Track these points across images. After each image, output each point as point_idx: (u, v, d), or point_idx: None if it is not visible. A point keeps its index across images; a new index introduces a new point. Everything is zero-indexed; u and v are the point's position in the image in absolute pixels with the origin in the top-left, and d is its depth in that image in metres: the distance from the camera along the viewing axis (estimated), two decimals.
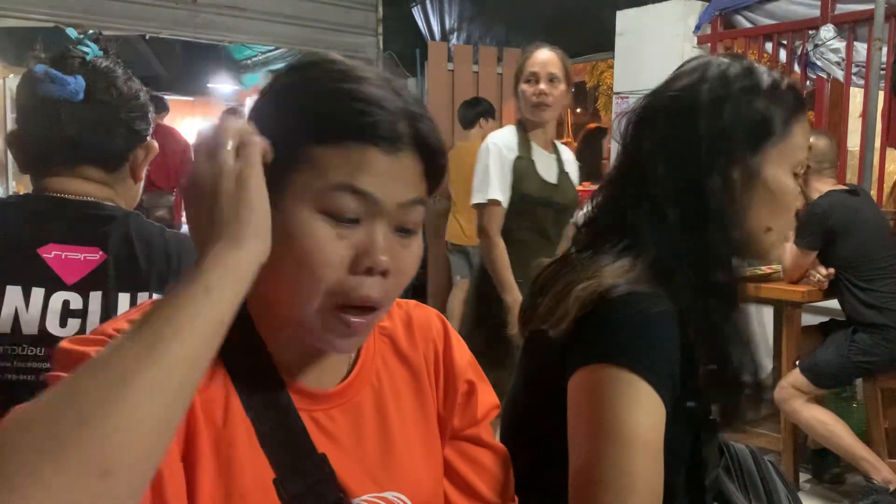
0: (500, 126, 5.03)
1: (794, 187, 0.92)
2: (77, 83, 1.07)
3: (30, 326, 1.00)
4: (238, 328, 0.62)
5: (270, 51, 6.97)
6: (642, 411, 0.79)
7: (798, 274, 2.87)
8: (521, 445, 0.90)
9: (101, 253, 1.06)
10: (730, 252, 0.90)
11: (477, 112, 4.65)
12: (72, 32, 1.12)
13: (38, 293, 1.01)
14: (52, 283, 1.02)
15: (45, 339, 1.00)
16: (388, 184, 0.64)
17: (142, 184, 1.21)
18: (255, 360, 0.68)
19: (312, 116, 0.64)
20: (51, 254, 1.03)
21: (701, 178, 0.88)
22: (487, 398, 0.84)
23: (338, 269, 0.63)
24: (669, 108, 0.91)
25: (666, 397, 0.81)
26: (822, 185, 2.82)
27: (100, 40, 1.16)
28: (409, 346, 0.80)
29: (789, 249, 2.79)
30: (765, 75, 0.91)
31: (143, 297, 1.07)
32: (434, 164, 0.68)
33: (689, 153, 0.88)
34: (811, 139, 2.89)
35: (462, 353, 0.83)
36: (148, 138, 1.19)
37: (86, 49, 1.12)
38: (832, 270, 2.76)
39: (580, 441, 0.82)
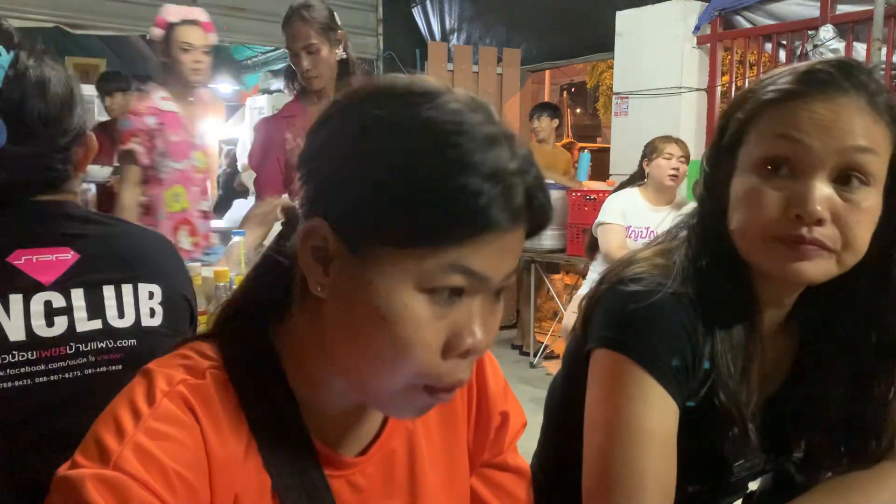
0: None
1: (753, 184, 0.86)
2: None
3: (16, 332, 0.97)
4: (271, 387, 0.62)
5: (270, 51, 6.96)
6: (649, 405, 0.79)
7: None
8: (554, 429, 0.90)
9: (72, 252, 1.03)
10: (730, 260, 0.85)
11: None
12: None
13: (16, 299, 0.97)
14: (30, 287, 0.99)
15: (34, 342, 0.98)
16: (500, 261, 0.58)
17: (84, 172, 1.13)
18: (290, 439, 0.64)
19: (418, 211, 0.54)
20: (20, 259, 0.99)
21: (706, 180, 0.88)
22: (517, 421, 0.81)
23: (435, 351, 0.57)
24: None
25: (675, 392, 0.80)
26: None
27: (7, 33, 0.98)
28: None
29: None
30: (772, 74, 0.86)
31: (127, 288, 1.06)
32: (543, 226, 0.62)
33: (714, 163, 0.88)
34: None
35: (497, 381, 0.80)
36: (87, 133, 1.08)
37: None
38: None
39: (592, 431, 0.83)
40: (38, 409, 0.98)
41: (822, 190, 0.76)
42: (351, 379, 0.62)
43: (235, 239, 1.91)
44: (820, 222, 0.75)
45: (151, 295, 1.09)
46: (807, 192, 0.75)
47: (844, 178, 0.76)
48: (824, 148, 0.75)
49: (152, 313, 1.09)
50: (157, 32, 2.62)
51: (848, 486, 0.87)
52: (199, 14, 2.67)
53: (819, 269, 0.78)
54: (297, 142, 2.41)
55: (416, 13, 6.27)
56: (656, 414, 0.79)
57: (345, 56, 2.43)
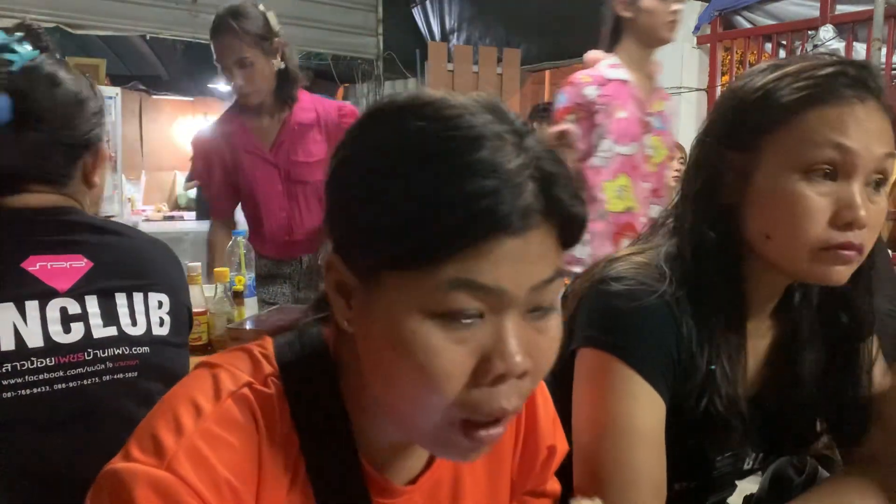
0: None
1: (800, 191, 0.77)
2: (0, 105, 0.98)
3: (34, 339, 0.97)
4: (330, 418, 0.60)
5: None
6: (637, 403, 0.79)
7: None
8: None
9: (85, 260, 1.03)
10: (727, 258, 0.84)
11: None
12: None
13: (32, 305, 0.98)
14: (45, 294, 0.99)
15: (52, 348, 0.98)
16: (516, 271, 0.51)
17: (99, 189, 1.15)
18: (340, 462, 0.62)
19: (407, 228, 0.51)
20: (35, 265, 1.00)
21: (699, 174, 0.86)
22: (561, 451, 0.79)
23: (460, 380, 0.52)
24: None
25: (662, 389, 0.81)
26: None
27: (37, 34, 1.04)
28: None
29: None
30: (792, 66, 0.80)
31: (138, 296, 1.06)
32: (574, 231, 0.55)
33: (695, 148, 0.88)
34: None
35: (547, 413, 0.77)
36: (100, 143, 1.11)
37: (12, 56, 1.01)
38: None
39: (581, 430, 0.83)
40: (57, 415, 0.97)
41: (863, 195, 0.77)
42: (391, 417, 0.59)
43: (236, 239, 1.90)
44: (863, 227, 0.77)
45: (160, 304, 1.10)
46: (855, 198, 0.76)
47: (872, 182, 0.78)
48: (868, 154, 0.76)
49: (161, 322, 1.09)
50: None
51: (845, 487, 0.87)
52: None
53: (851, 272, 0.80)
54: (237, 158, 2.25)
55: (416, 13, 6.27)
56: (644, 411, 0.80)
57: (283, 66, 2.15)
